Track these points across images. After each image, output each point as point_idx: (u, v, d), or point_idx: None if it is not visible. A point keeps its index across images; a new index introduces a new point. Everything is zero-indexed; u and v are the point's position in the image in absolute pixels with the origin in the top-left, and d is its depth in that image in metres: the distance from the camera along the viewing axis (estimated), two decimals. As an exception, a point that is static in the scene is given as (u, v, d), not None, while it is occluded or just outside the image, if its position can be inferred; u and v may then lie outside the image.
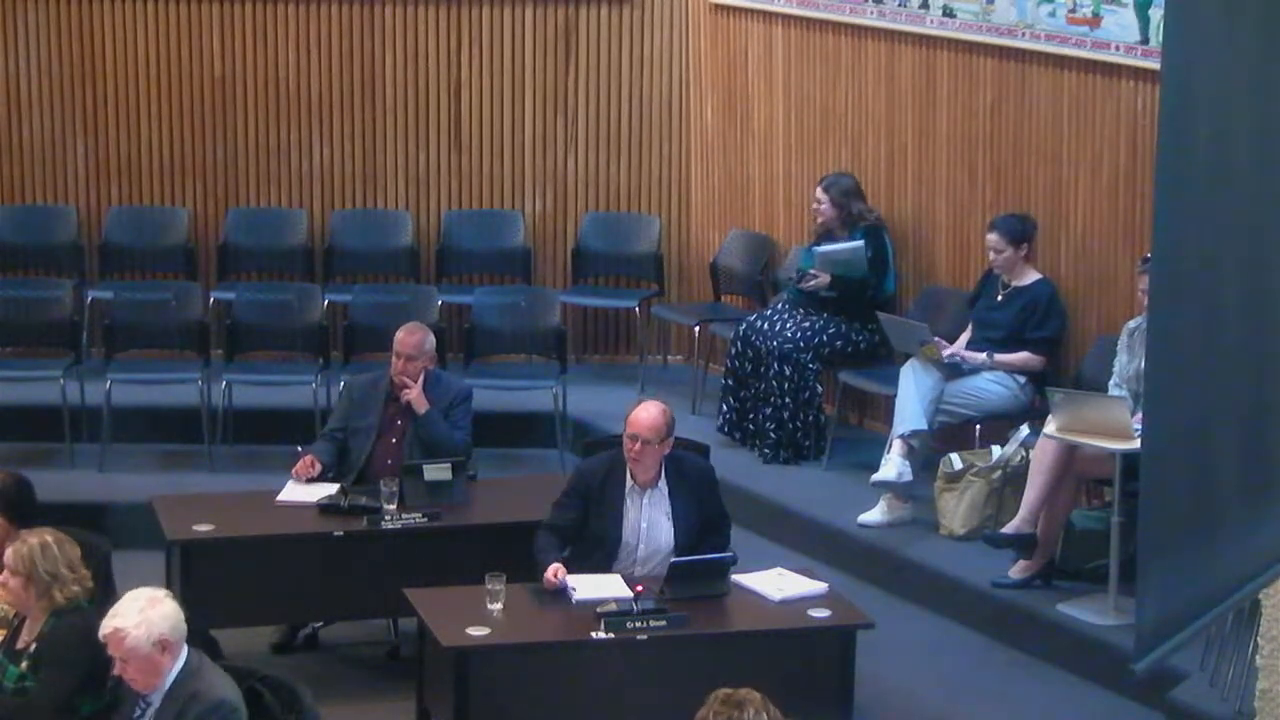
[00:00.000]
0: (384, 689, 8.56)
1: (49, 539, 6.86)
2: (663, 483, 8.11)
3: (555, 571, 7.80)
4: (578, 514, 8.12)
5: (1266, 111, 4.24)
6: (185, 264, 11.78)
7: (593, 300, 11.89)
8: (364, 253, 11.88)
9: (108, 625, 6.26)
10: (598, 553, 8.09)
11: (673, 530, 8.09)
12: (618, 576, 7.86)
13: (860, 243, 10.35)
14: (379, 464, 8.77)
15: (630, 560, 8.10)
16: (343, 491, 8.61)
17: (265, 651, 8.68)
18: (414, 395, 8.85)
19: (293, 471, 8.75)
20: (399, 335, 8.97)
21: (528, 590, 7.84)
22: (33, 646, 6.83)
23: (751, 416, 10.54)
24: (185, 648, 6.33)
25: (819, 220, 10.54)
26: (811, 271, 10.40)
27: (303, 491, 8.69)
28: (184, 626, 6.31)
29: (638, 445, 8.00)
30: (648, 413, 8.02)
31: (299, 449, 8.87)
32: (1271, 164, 4.27)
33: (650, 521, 8.10)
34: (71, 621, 6.78)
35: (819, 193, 10.50)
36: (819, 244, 10.48)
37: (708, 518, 8.20)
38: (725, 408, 10.64)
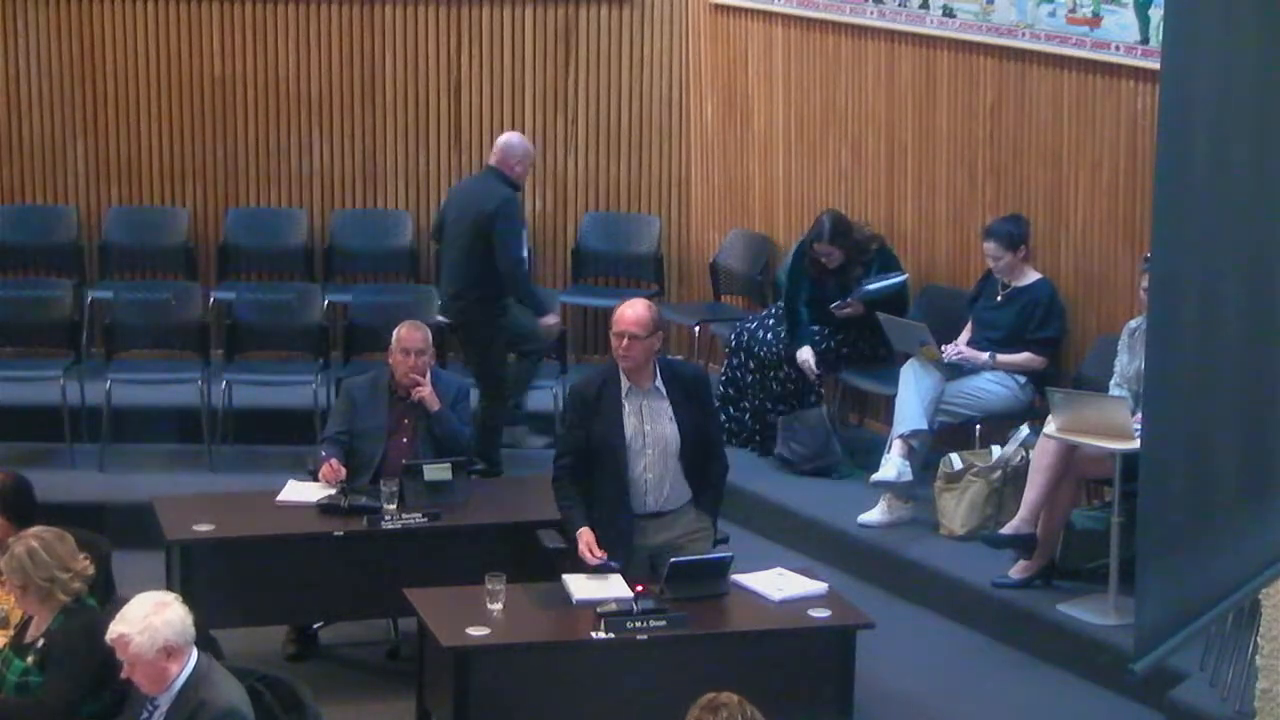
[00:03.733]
0: (384, 689, 8.56)
1: (34, 544, 6.79)
2: (659, 383, 8.07)
3: (590, 546, 7.82)
4: (584, 433, 8.08)
5: (1266, 112, 4.24)
6: (185, 264, 11.79)
7: (593, 300, 11.89)
8: (364, 253, 11.88)
9: (113, 630, 6.25)
10: (609, 462, 8.01)
11: (677, 431, 8.05)
12: (618, 576, 7.86)
13: (905, 276, 10.26)
14: (394, 464, 8.76)
15: (642, 465, 8.03)
16: (343, 492, 8.61)
17: (275, 656, 8.65)
18: (426, 394, 8.85)
19: (320, 476, 8.72)
20: (403, 333, 8.96)
21: (528, 590, 7.85)
22: (40, 642, 6.83)
23: (754, 425, 10.53)
24: (194, 651, 6.32)
25: (831, 267, 10.38)
26: (849, 300, 10.29)
27: (303, 491, 8.69)
28: (191, 631, 6.29)
29: (625, 341, 7.98)
30: (634, 309, 8.02)
31: (321, 453, 8.83)
32: (1271, 164, 4.28)
33: (652, 421, 8.04)
34: (80, 621, 6.76)
35: (823, 246, 10.27)
36: (864, 281, 10.28)
37: (704, 423, 8.20)
38: (724, 417, 10.58)
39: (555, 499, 8.10)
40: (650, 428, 8.04)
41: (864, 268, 10.29)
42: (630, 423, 8.03)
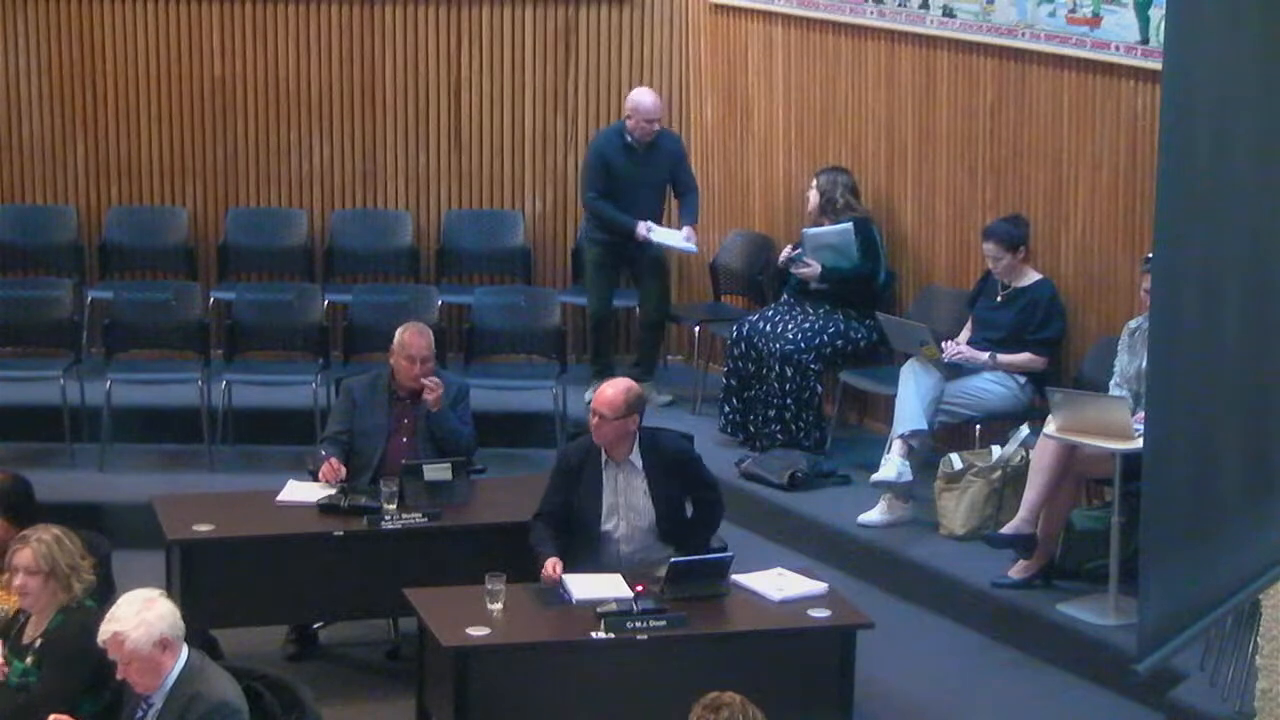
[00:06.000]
0: (384, 689, 8.56)
1: (57, 532, 6.90)
2: (636, 458, 8.21)
3: (554, 566, 7.87)
4: (564, 497, 8.23)
5: (1267, 112, 4.24)
6: (185, 264, 11.78)
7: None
8: (364, 253, 11.87)
9: (106, 630, 6.27)
10: (583, 532, 8.16)
11: (651, 506, 8.17)
12: (618, 576, 7.88)
13: (849, 225, 10.38)
14: (393, 464, 8.76)
15: (616, 535, 8.17)
16: (343, 492, 8.61)
17: (275, 656, 8.65)
18: (436, 396, 8.83)
19: (320, 475, 8.73)
20: (409, 338, 8.92)
21: (528, 590, 7.85)
22: (38, 642, 6.84)
23: (754, 418, 10.54)
24: (185, 647, 6.34)
25: (806, 209, 10.60)
26: (805, 260, 10.42)
27: (303, 491, 8.69)
28: (181, 625, 6.33)
29: (595, 419, 8.17)
30: (612, 389, 8.22)
31: (321, 453, 8.83)
32: (1272, 164, 4.28)
33: (626, 496, 8.18)
34: (78, 621, 6.79)
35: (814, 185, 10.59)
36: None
37: (696, 497, 8.32)
38: (727, 408, 10.64)
39: (530, 538, 8.14)
40: (624, 500, 8.19)
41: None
42: (606, 495, 8.19)
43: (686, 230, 11.10)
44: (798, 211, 11.20)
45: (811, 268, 10.44)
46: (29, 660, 6.84)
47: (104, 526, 9.03)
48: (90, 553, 7.10)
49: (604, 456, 8.21)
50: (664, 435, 8.47)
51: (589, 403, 10.63)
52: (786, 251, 10.62)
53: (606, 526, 8.18)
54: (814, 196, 10.55)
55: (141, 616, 6.25)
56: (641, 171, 11.11)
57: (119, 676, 6.33)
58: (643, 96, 11.08)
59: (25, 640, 6.91)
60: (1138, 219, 9.40)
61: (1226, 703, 7.61)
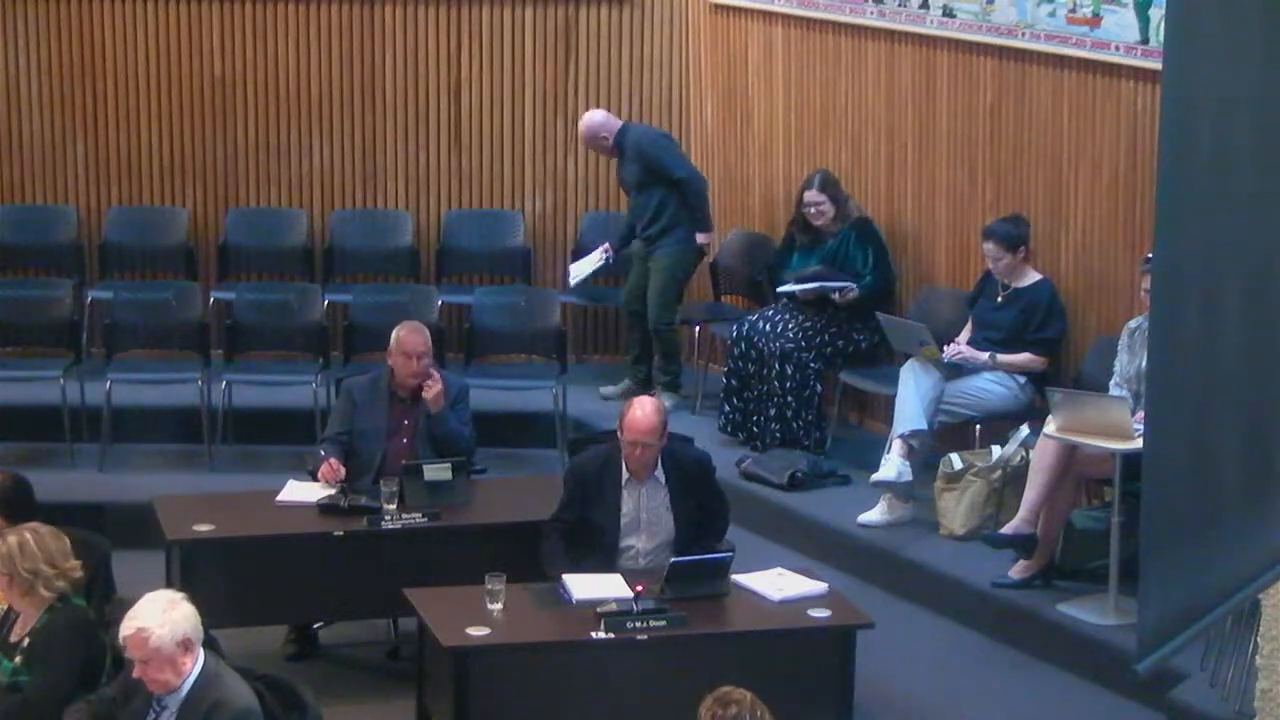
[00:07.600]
0: (384, 689, 8.56)
1: (27, 535, 6.84)
2: (659, 473, 8.20)
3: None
4: (580, 510, 8.21)
5: (1268, 112, 4.24)
6: (185, 264, 11.78)
7: (593, 300, 11.89)
8: (364, 253, 11.88)
9: (129, 627, 6.27)
10: (599, 547, 8.13)
11: (673, 520, 8.16)
12: (618, 576, 7.87)
13: (852, 289, 10.36)
14: (394, 464, 8.76)
15: (634, 552, 8.16)
16: (343, 492, 8.61)
17: (275, 656, 8.64)
18: (436, 392, 8.83)
19: (319, 475, 8.72)
20: (404, 335, 8.91)
21: (528, 590, 7.85)
22: (26, 641, 6.83)
23: (755, 418, 10.54)
24: (202, 652, 6.35)
25: (819, 223, 10.52)
26: (846, 284, 10.37)
27: (303, 491, 8.69)
28: (201, 630, 6.36)
29: (639, 450, 8.09)
30: (646, 416, 8.11)
31: (320, 453, 8.83)
32: (1272, 165, 4.28)
33: (649, 512, 8.17)
34: (66, 619, 6.78)
35: (814, 194, 10.49)
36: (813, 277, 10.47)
37: (706, 506, 8.31)
38: (728, 408, 10.64)
39: (542, 552, 8.13)
40: (646, 515, 8.18)
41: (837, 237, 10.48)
42: (626, 511, 8.17)
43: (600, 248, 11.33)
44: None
45: (850, 291, 10.39)
46: (18, 660, 6.83)
47: (104, 526, 9.02)
48: (84, 554, 7.08)
49: (624, 470, 8.18)
50: (683, 447, 8.46)
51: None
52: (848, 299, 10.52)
53: (625, 543, 8.16)
54: (829, 208, 10.47)
55: (167, 615, 6.27)
56: (622, 175, 11.31)
57: (134, 675, 6.33)
58: (581, 121, 11.33)
59: (13, 639, 6.91)
60: (1138, 219, 9.40)
61: (1226, 703, 7.61)
